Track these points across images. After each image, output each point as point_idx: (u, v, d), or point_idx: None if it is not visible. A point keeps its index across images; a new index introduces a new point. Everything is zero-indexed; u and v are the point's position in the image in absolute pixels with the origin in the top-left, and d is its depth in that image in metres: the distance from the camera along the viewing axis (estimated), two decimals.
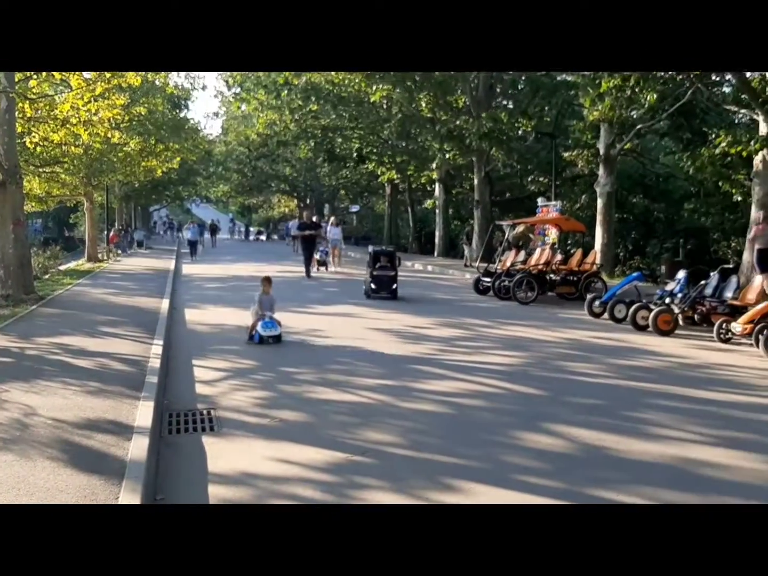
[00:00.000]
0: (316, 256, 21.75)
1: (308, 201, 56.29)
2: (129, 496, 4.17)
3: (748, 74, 15.93)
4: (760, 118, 15.40)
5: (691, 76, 16.61)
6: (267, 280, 10.18)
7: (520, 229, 19.05)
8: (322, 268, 22.27)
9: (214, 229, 42.02)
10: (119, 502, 4.10)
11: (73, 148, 15.20)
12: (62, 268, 23.11)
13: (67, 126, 12.96)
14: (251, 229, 62.87)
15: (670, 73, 16.38)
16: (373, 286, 15.13)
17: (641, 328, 11.08)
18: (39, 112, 13.05)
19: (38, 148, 15.76)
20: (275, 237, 57.55)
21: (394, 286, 15.10)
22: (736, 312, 10.57)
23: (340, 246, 24.36)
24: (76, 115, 12.30)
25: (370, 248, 16.45)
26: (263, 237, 57.57)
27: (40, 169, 19.69)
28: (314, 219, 24.97)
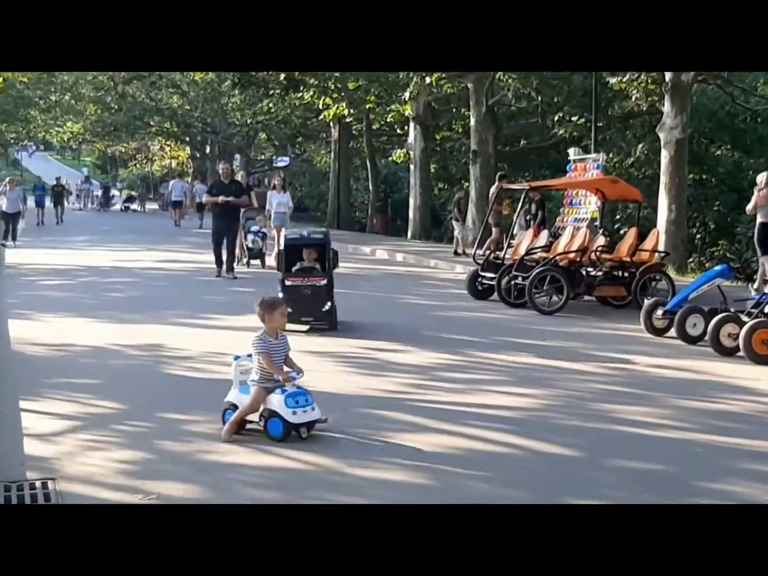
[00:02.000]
0: (246, 242, 20.52)
1: (208, 149, 56.09)
2: None
3: None
4: None
5: None
6: (271, 307, 7.82)
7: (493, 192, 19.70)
8: (255, 261, 21.02)
9: (59, 195, 40.95)
10: None
11: None
12: None
13: None
14: (116, 193, 62.50)
15: None
16: (289, 309, 10.48)
17: (728, 352, 11.19)
18: None
19: None
20: (156, 206, 57.33)
21: (327, 306, 12.52)
22: None
23: (286, 224, 21.77)
24: None
25: (282, 236, 15.35)
26: (136, 206, 57.35)
27: None
28: (238, 177, 23.24)
